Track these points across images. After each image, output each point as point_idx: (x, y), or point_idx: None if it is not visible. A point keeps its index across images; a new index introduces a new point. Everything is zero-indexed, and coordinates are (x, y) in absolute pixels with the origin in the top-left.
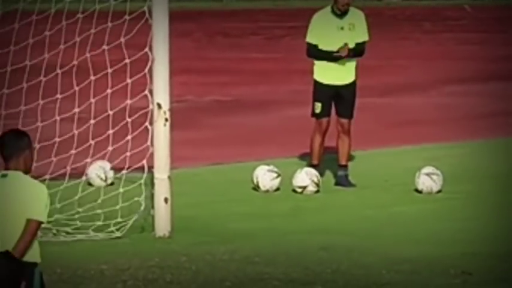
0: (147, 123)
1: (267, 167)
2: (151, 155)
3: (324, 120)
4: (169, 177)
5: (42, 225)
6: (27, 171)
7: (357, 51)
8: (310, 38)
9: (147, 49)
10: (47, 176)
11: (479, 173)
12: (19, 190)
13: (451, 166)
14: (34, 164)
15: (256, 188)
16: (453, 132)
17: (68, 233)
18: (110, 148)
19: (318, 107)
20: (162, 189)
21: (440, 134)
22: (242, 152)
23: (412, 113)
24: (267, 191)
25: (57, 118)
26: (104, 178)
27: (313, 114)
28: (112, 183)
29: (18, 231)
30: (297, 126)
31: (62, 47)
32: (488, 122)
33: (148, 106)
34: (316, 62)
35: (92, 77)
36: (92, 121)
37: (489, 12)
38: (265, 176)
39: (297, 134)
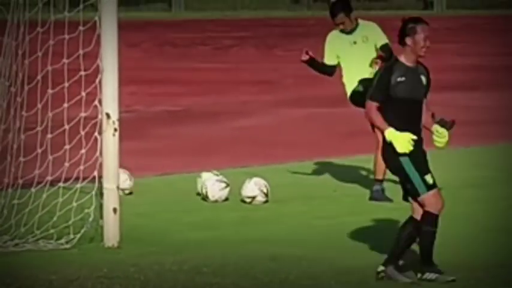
0: (96, 134)
1: (215, 177)
2: (101, 165)
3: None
4: (118, 187)
5: None
6: None
7: (386, 54)
8: (328, 60)
9: (99, 60)
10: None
11: None
12: None
13: None
14: None
15: (205, 198)
16: None
17: (17, 244)
18: (67, 164)
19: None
20: (111, 199)
21: None
22: (191, 162)
23: (361, 123)
24: (216, 201)
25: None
26: None
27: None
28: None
29: None
30: (246, 136)
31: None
32: None
33: (97, 116)
34: (345, 82)
35: (50, 90)
36: (49, 135)
37: (439, 23)
38: (214, 186)
39: (246, 144)
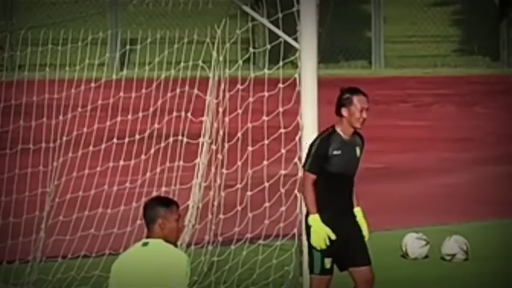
0: (296, 191)
1: (415, 235)
2: (301, 222)
3: None
4: None
5: None
6: (167, 239)
7: None
8: None
9: (298, 117)
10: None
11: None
12: (159, 259)
13: None
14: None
15: (405, 255)
16: None
17: None
18: (266, 221)
19: None
20: None
21: None
22: (392, 220)
23: None
24: (416, 258)
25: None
26: None
27: None
28: None
29: None
30: (445, 193)
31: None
32: None
33: (297, 174)
34: None
35: (250, 148)
36: (249, 193)
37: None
38: (414, 244)
39: (445, 202)
